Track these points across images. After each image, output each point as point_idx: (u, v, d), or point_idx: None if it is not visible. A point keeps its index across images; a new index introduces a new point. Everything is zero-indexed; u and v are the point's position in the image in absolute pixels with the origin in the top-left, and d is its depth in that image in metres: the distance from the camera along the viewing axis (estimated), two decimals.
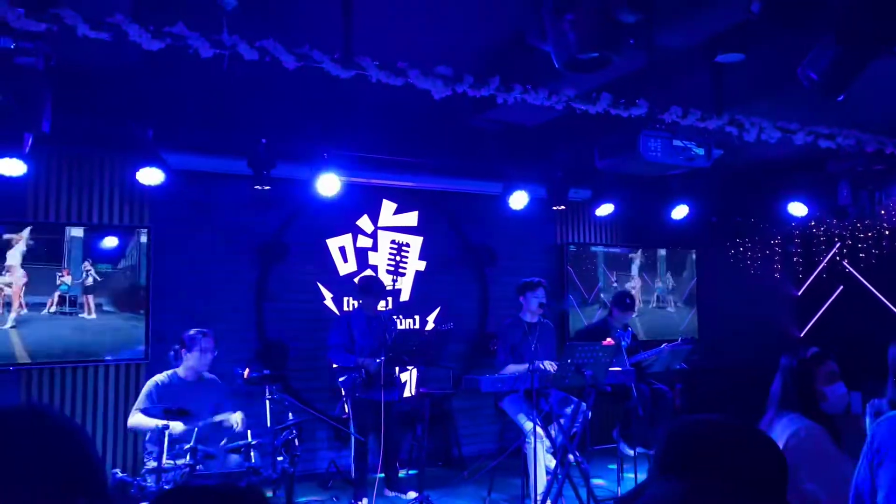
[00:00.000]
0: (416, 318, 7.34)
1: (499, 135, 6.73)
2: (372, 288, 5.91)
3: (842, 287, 9.17)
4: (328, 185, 5.85)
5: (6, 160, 4.53)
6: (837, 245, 8.86)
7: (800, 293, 9.76)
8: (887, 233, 7.50)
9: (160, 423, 3.90)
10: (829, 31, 2.84)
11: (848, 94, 5.58)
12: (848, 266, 8.84)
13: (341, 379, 5.82)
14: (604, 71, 4.84)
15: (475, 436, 7.29)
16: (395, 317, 7.07)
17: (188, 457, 3.70)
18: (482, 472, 5.64)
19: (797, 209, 7.38)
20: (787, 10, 3.67)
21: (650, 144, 3.79)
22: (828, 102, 5.72)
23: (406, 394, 6.84)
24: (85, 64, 4.77)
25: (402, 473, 6.17)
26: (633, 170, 4.23)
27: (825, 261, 9.13)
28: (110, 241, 5.91)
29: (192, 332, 4.73)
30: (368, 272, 7.01)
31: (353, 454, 5.75)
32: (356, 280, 6.94)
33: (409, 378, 7.03)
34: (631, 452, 5.66)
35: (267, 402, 4.14)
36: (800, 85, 4.65)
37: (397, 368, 5.89)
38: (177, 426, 4.01)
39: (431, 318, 7.40)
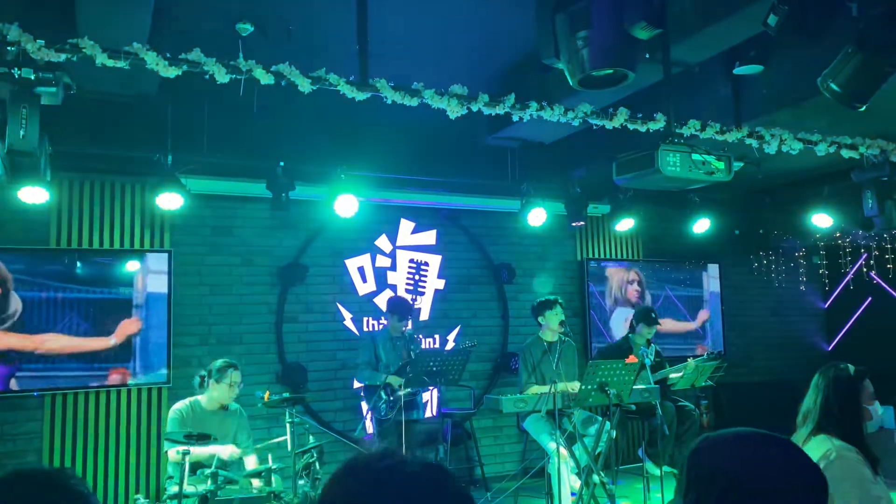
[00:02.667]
0: (436, 337, 7.30)
1: (516, 152, 6.72)
2: (400, 308, 5.92)
3: (870, 299, 8.99)
4: (346, 205, 5.85)
5: (28, 189, 4.57)
6: (864, 256, 8.69)
7: (827, 305, 9.58)
8: None
9: (180, 448, 3.89)
10: (850, 42, 2.79)
11: (871, 103, 5.53)
12: (876, 277, 8.66)
13: (364, 399, 5.80)
14: (621, 86, 4.88)
15: (498, 456, 7.20)
16: (417, 336, 7.05)
17: (209, 482, 3.68)
18: (506, 494, 5.55)
19: (822, 220, 7.25)
20: (805, 21, 3.62)
21: (669, 159, 3.74)
22: (850, 113, 5.68)
23: (427, 414, 6.79)
24: (106, 92, 4.85)
25: None
26: (651, 185, 4.17)
27: (852, 272, 8.96)
28: (132, 266, 5.96)
29: (221, 363, 4.67)
30: (388, 292, 7.00)
31: None
32: (379, 298, 6.96)
33: (430, 398, 6.98)
34: (657, 471, 5.55)
35: (287, 425, 4.12)
36: (820, 95, 4.57)
37: (431, 387, 5.86)
38: (197, 451, 3.99)
39: (451, 336, 7.35)
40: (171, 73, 3.49)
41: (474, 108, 4.23)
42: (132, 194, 6.08)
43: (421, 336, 7.15)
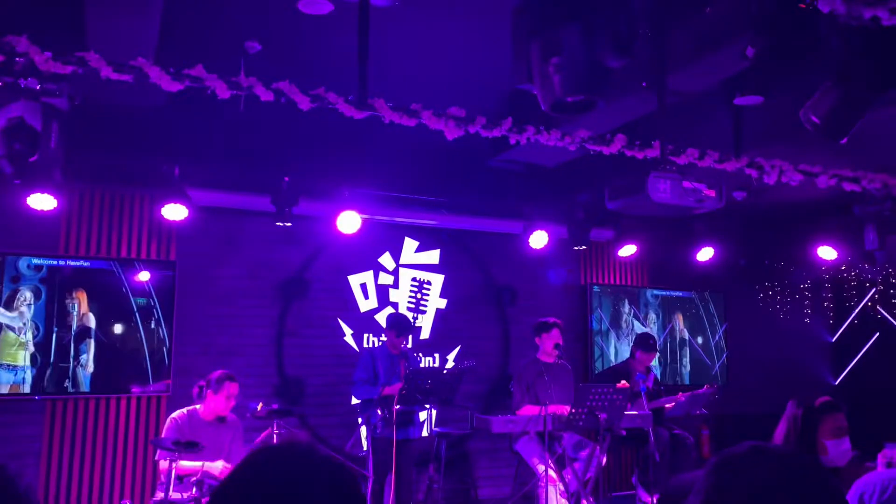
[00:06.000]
0: (437, 356, 7.33)
1: (520, 174, 6.78)
2: (400, 325, 5.93)
3: (878, 334, 8.91)
4: (349, 222, 5.93)
5: (37, 195, 4.70)
6: (872, 291, 8.63)
7: (834, 339, 9.49)
8: None
9: (168, 456, 3.93)
10: (830, 74, 2.83)
11: (872, 137, 5.54)
12: (883, 312, 8.59)
13: (360, 415, 5.83)
14: (619, 113, 4.94)
15: (493, 478, 7.18)
16: (416, 355, 7.08)
17: (194, 489, 3.73)
18: None
19: (827, 253, 7.24)
20: (800, 52, 3.67)
21: (659, 186, 3.79)
22: (851, 146, 5.69)
23: (423, 433, 6.79)
24: (115, 103, 4.97)
25: None
26: (642, 211, 4.21)
27: (859, 307, 8.89)
28: (142, 276, 6.07)
29: (220, 374, 4.72)
30: (390, 309, 7.05)
31: (368, 493, 5.71)
32: (380, 316, 7.01)
33: (427, 417, 6.99)
34: (650, 500, 5.51)
35: (274, 437, 4.16)
36: None
37: (427, 407, 5.87)
38: (187, 466, 4.03)
39: (451, 356, 7.38)
40: (175, 87, 3.59)
41: (472, 131, 4.29)
42: (141, 205, 6.20)
43: (421, 354, 7.18)
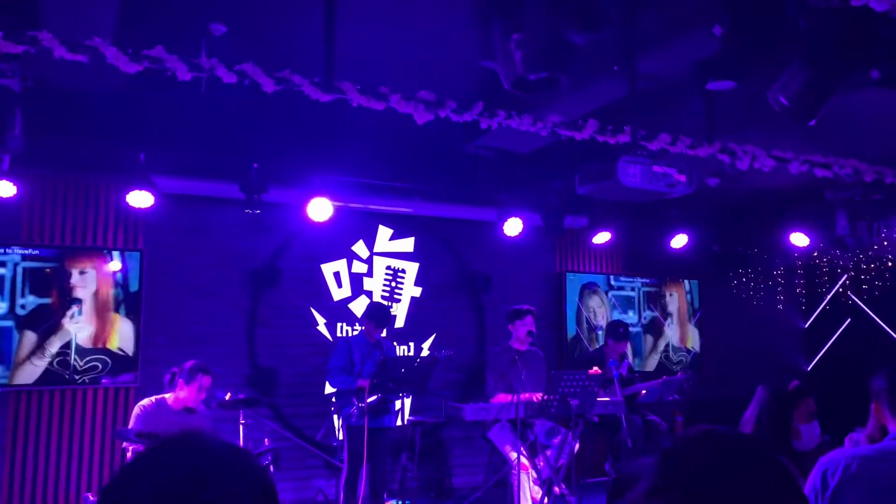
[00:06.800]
0: (411, 344, 7.28)
1: (494, 161, 6.72)
2: (379, 315, 5.86)
3: (849, 320, 8.99)
4: (320, 209, 5.84)
5: None
6: (843, 277, 8.70)
7: (807, 325, 9.57)
8: (890, 265, 7.36)
9: (131, 447, 3.85)
10: (798, 56, 2.80)
11: (843, 123, 5.55)
12: (854, 298, 8.67)
13: (335, 405, 5.78)
14: (591, 98, 4.90)
15: (469, 466, 7.16)
16: (393, 343, 7.02)
17: None
18: (466, 502, 5.51)
19: (799, 240, 7.28)
20: (767, 31, 3.64)
21: (629, 170, 3.75)
22: (824, 132, 5.70)
23: (399, 422, 6.75)
24: (76, 87, 4.84)
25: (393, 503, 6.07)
26: (613, 196, 4.19)
27: (831, 293, 8.97)
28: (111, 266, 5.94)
29: (194, 364, 4.63)
30: (364, 298, 6.98)
31: (343, 482, 5.66)
32: (354, 304, 6.94)
33: (402, 406, 6.94)
34: None
35: (240, 426, 4.08)
36: None
37: (401, 395, 5.83)
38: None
39: (426, 345, 7.33)
40: (133, 69, 3.48)
41: (441, 115, 4.22)
42: (107, 192, 6.06)
43: (396, 343, 7.12)
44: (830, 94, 2.77)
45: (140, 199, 5.28)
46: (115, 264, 5.97)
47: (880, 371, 2.29)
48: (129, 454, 4.15)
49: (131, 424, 4.38)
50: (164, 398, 4.57)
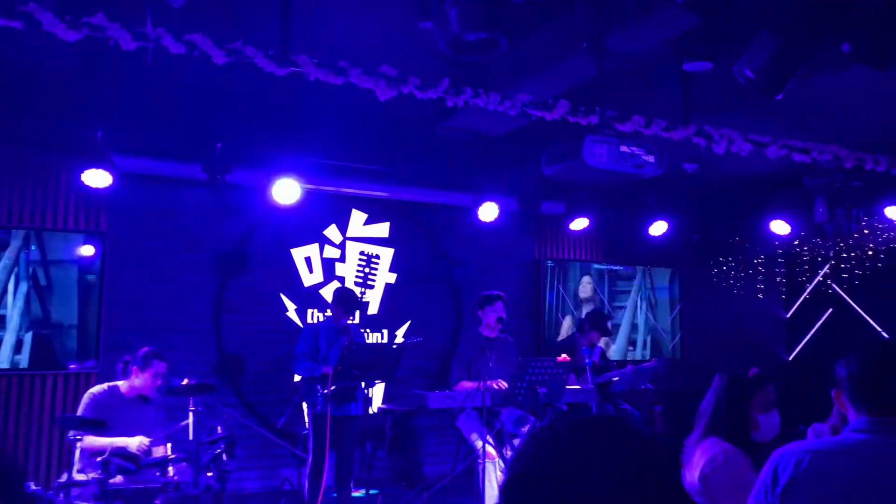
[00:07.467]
0: (385, 331, 7.14)
1: (470, 144, 6.56)
2: (347, 300, 5.71)
3: (831, 309, 8.91)
4: (287, 192, 5.68)
5: None
6: (825, 266, 8.61)
7: (789, 315, 9.49)
8: (870, 253, 7.25)
9: (79, 435, 3.70)
10: (765, 26, 2.65)
11: (826, 108, 5.42)
12: (836, 287, 8.58)
13: (300, 392, 5.64)
14: (562, 78, 4.73)
15: (441, 455, 7.02)
16: (363, 330, 6.87)
17: (99, 470, 3.49)
18: (431, 492, 5.39)
19: (780, 228, 7.17)
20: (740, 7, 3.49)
21: (595, 150, 3.61)
22: (803, 116, 5.57)
23: (372, 410, 6.61)
24: (30, 62, 4.65)
25: (361, 493, 5.94)
26: (579, 177, 4.04)
27: (814, 283, 8.87)
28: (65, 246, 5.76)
29: (147, 351, 4.45)
30: (336, 283, 6.82)
31: (308, 471, 5.53)
32: (325, 290, 6.78)
33: (372, 394, 6.79)
34: None
35: (190, 413, 3.93)
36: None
37: (364, 383, 5.69)
38: (88, 440, 3.80)
39: (401, 332, 7.19)
40: (72, 37, 3.30)
41: (405, 91, 4.06)
42: (68, 172, 5.86)
43: (368, 330, 6.98)
44: (798, 66, 2.63)
45: (97, 178, 5.10)
46: (76, 247, 5.79)
47: (842, 358, 2.16)
48: (79, 443, 3.98)
49: (80, 412, 4.22)
50: (116, 385, 4.41)
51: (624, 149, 3.57)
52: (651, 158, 3.65)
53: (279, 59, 3.72)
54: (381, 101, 4.08)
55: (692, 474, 2.37)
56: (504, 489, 0.86)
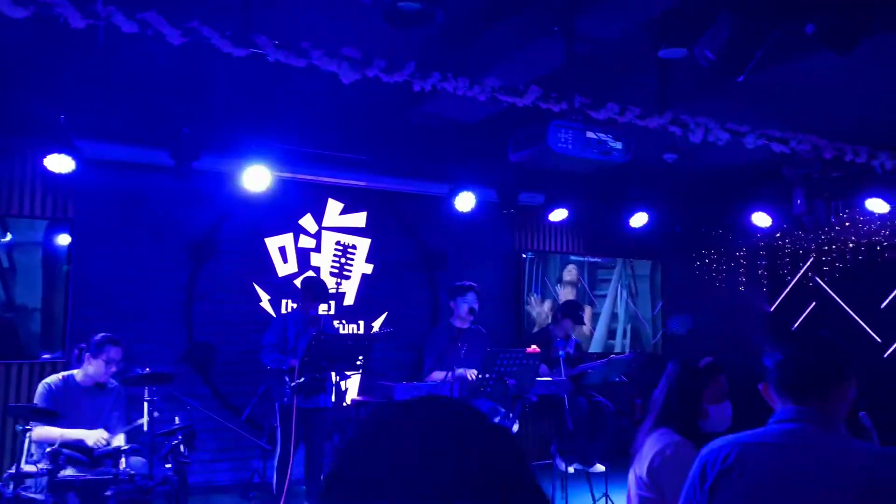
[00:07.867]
0: (361, 323, 7.04)
1: (446, 132, 6.45)
2: (313, 289, 5.60)
3: (814, 303, 8.86)
4: (258, 178, 5.57)
5: None
6: (808, 259, 8.55)
7: (772, 308, 9.43)
8: (851, 246, 7.19)
9: (29, 426, 3.59)
10: (724, 7, 2.56)
11: (805, 98, 5.34)
12: (819, 281, 8.52)
13: (268, 383, 5.54)
14: (533, 63, 4.63)
15: None
16: (337, 322, 6.78)
17: (48, 461, 3.39)
18: None
19: (761, 220, 7.10)
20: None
21: (560, 136, 3.51)
22: (782, 105, 5.48)
23: (343, 403, 6.51)
24: None
25: None
26: (545, 164, 3.95)
27: (797, 276, 8.81)
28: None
29: (100, 337, 4.36)
30: (310, 273, 6.72)
31: (276, 464, 5.44)
32: (298, 280, 6.67)
33: (346, 386, 6.70)
34: (567, 469, 5.34)
35: (145, 404, 3.83)
36: (751, 85, 4.37)
37: (335, 375, 5.60)
38: (41, 431, 3.70)
39: (377, 323, 7.09)
40: (18, 13, 3.18)
41: (370, 74, 3.95)
42: (32, 157, 5.73)
43: (344, 322, 6.89)
44: (758, 46, 2.54)
45: (60, 163, 4.98)
46: (42, 234, 5.67)
47: (767, 349, 2.05)
48: (38, 433, 3.88)
49: (35, 402, 4.11)
50: (72, 374, 4.30)
51: (590, 135, 3.48)
52: (619, 145, 3.56)
53: (237, 40, 3.61)
54: (355, 88, 3.99)
55: (641, 466, 2.29)
56: (326, 479, 0.77)
